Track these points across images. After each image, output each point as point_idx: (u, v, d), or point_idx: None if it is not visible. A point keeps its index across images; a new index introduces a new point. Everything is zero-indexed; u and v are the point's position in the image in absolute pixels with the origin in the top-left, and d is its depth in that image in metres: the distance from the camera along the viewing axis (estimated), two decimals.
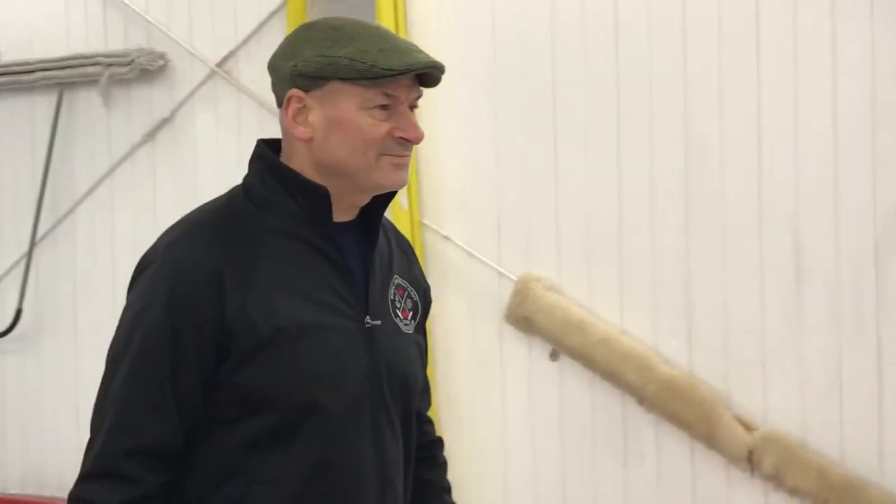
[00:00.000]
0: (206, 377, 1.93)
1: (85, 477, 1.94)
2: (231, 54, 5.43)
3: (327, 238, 2.02)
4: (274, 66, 2.06)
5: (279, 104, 2.06)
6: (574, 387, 4.65)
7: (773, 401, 4.45)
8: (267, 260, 1.97)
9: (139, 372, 1.92)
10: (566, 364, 4.66)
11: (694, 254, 4.57)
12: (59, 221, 5.87)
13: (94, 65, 5.62)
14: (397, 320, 2.12)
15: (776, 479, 4.39)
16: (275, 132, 5.46)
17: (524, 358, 4.71)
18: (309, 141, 2.01)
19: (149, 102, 5.62)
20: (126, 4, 5.62)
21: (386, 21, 4.94)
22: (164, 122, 5.58)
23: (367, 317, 2.04)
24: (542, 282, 4.66)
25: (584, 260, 4.69)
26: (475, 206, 4.81)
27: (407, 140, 2.01)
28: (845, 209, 4.33)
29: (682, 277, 4.58)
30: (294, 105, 2.01)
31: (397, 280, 2.16)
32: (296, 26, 5.01)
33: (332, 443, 1.97)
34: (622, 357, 4.58)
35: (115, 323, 5.57)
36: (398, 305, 2.13)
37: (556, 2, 4.69)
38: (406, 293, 2.16)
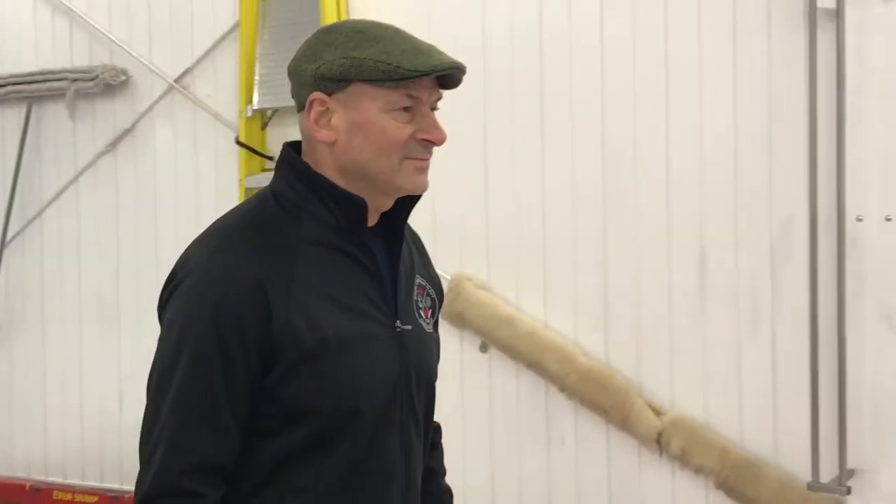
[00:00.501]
0: (254, 389, 1.81)
1: (146, 499, 1.80)
2: (188, 71, 5.50)
3: (361, 246, 1.91)
4: (295, 70, 1.95)
5: (300, 108, 1.93)
6: (501, 376, 4.73)
7: (680, 389, 4.56)
8: (305, 269, 1.85)
9: (191, 389, 1.80)
10: (495, 355, 4.75)
11: (610, 256, 4.66)
12: (28, 224, 5.94)
13: (60, 80, 5.69)
14: (421, 321, 2.03)
15: (682, 459, 4.50)
16: (227, 143, 5.59)
17: (456, 350, 4.73)
18: (332, 144, 1.89)
19: (111, 115, 5.69)
20: (91, 24, 5.70)
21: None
22: (126, 133, 5.66)
23: (398, 321, 1.94)
24: (473, 281, 4.75)
25: (512, 261, 4.77)
26: (413, 211, 4.85)
27: (430, 142, 1.90)
28: (744, 218, 4.42)
29: (600, 277, 4.67)
30: (317, 108, 1.88)
31: (418, 280, 2.07)
32: (247, 46, 5.24)
33: (366, 448, 1.88)
34: (545, 349, 4.67)
35: (80, 317, 5.71)
36: (420, 305, 2.03)
37: (487, 16, 4.78)
38: (426, 291, 2.07)
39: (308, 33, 5.22)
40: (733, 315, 4.48)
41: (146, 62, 5.60)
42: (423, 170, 1.92)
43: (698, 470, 4.50)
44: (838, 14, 4.16)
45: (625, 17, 4.59)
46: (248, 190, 5.30)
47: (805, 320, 4.29)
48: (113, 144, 5.70)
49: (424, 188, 1.93)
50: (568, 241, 4.72)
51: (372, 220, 1.95)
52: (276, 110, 5.35)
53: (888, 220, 4.15)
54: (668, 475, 4.59)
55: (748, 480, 4.41)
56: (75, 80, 5.66)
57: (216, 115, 5.44)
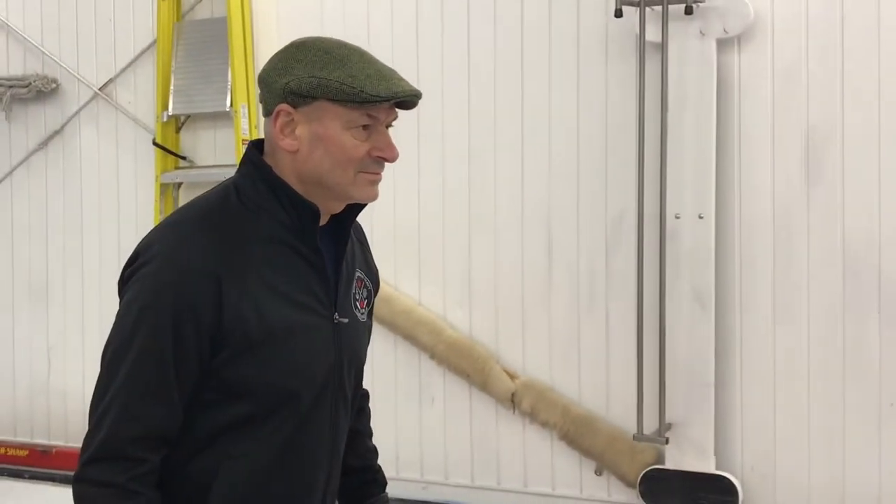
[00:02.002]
0: (202, 368, 1.75)
1: (90, 461, 1.72)
2: (111, 80, 5.46)
3: (311, 246, 1.84)
4: (266, 80, 1.84)
5: (266, 114, 1.84)
6: (381, 346, 4.68)
7: (530, 356, 4.66)
8: (258, 264, 1.78)
9: (144, 366, 1.72)
10: (376, 328, 4.62)
11: (474, 245, 4.74)
12: None
13: None
14: (357, 312, 1.95)
15: (532, 415, 4.61)
16: (145, 144, 5.52)
17: None
18: (294, 152, 1.80)
19: (43, 118, 5.62)
20: (25, 37, 5.61)
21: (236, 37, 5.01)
22: (55, 134, 5.60)
23: (336, 314, 1.88)
24: None
25: (391, 247, 4.77)
26: None
27: (384, 159, 1.82)
28: (584, 213, 4.54)
29: (465, 262, 4.75)
30: (283, 118, 1.80)
31: (357, 273, 1.99)
32: (164, 59, 5.25)
33: (299, 425, 1.82)
34: (418, 323, 4.75)
35: (13, 295, 5.65)
36: (357, 297, 1.95)
37: (371, 36, 4.70)
38: (364, 284, 1.99)
39: (216, 51, 5.32)
40: (574, 294, 4.58)
41: (74, 72, 5.54)
42: (375, 182, 1.85)
43: (545, 424, 4.60)
44: (663, 47, 4.29)
45: (489, 48, 4.66)
46: (163, 185, 5.30)
47: (633, 299, 4.40)
48: (44, 143, 5.64)
49: (375, 198, 1.86)
50: (438, 231, 4.78)
51: (323, 221, 1.88)
52: (188, 116, 5.34)
53: (700, 217, 4.27)
54: (519, 429, 4.68)
55: (585, 433, 4.53)
56: (10, 86, 5.58)
57: (135, 120, 5.41)
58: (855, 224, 4.17)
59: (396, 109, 1.84)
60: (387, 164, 1.83)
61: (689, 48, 4.27)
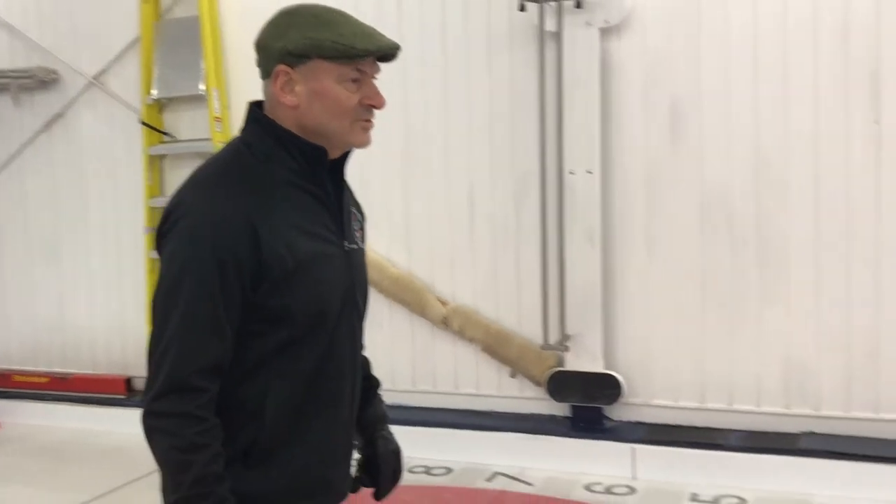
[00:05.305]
0: (246, 302, 1.59)
1: (159, 396, 1.54)
2: (103, 71, 5.16)
3: (319, 185, 1.69)
4: (263, 45, 1.67)
5: (264, 76, 1.67)
6: None
7: (458, 287, 4.56)
8: (280, 205, 1.63)
9: (196, 307, 1.56)
10: None
11: (410, 195, 4.60)
12: None
13: (5, 78, 5.31)
14: (358, 240, 1.81)
15: (460, 334, 4.53)
16: (134, 123, 5.23)
17: None
18: (295, 107, 1.65)
19: (46, 104, 5.31)
20: (27, 37, 5.28)
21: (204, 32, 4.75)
22: (57, 117, 5.29)
23: (346, 242, 1.72)
24: None
25: None
26: None
27: (374, 106, 1.67)
28: (498, 171, 4.43)
29: (404, 210, 4.61)
30: (282, 78, 1.63)
31: (352, 209, 1.83)
32: (147, 52, 4.94)
33: (329, 342, 1.68)
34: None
35: (31, 251, 5.25)
36: (355, 227, 1.80)
37: None
38: (356, 217, 1.83)
39: (190, 45, 5.06)
40: (492, 237, 4.49)
41: (71, 65, 5.22)
42: (368, 129, 1.69)
43: (471, 340, 4.54)
44: (558, 35, 4.20)
45: (416, 40, 4.45)
46: (150, 157, 5.05)
47: (538, 240, 4.33)
48: (48, 125, 5.32)
49: (368, 144, 1.70)
50: (381, 184, 4.58)
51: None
52: (170, 99, 5.05)
53: (589, 173, 4.18)
54: (451, 345, 4.60)
55: (502, 345, 4.48)
56: (17, 77, 5.27)
57: (125, 103, 5.12)
58: (711, 175, 4.11)
59: (379, 63, 1.69)
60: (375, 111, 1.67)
61: (579, 36, 4.18)
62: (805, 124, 3.91)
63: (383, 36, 1.65)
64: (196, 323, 1.55)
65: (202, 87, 4.84)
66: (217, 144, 4.79)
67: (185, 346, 1.54)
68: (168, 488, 1.55)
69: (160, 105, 5.06)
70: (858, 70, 3.82)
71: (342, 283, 1.69)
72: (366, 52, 1.61)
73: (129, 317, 5.12)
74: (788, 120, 3.94)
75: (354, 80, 1.63)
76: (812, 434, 3.95)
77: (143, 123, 5.00)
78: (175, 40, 4.97)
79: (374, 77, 1.67)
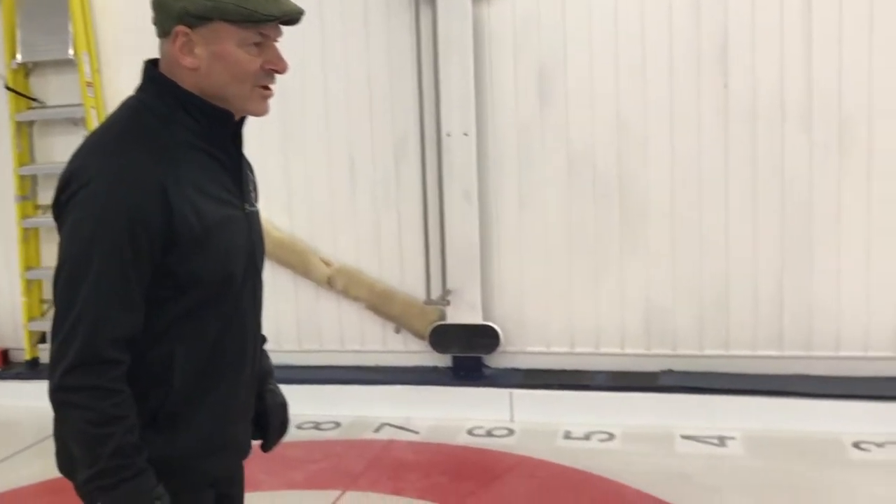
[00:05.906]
0: (155, 268, 1.54)
1: (70, 369, 1.49)
2: None
3: (222, 148, 1.64)
4: (161, 4, 1.59)
5: (162, 35, 1.60)
6: None
7: (341, 247, 4.60)
8: (185, 169, 1.57)
9: (107, 277, 1.49)
10: None
11: (290, 162, 4.59)
12: None
13: None
14: (255, 202, 1.78)
15: (345, 293, 4.59)
16: None
17: None
18: (195, 69, 1.58)
19: None
20: None
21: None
22: None
23: (246, 204, 1.69)
24: None
25: None
26: None
27: (276, 71, 1.62)
28: (377, 134, 4.47)
29: (284, 174, 4.59)
30: (181, 39, 1.56)
31: (248, 172, 1.78)
32: (9, 17, 4.75)
33: (233, 305, 1.65)
34: None
35: None
36: (251, 190, 1.76)
37: None
38: (251, 180, 1.78)
39: (56, 7, 4.84)
40: (373, 198, 4.55)
41: None
42: (267, 97, 1.65)
43: (356, 299, 4.60)
44: (433, 2, 4.25)
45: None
46: (18, 123, 4.85)
47: (419, 199, 4.43)
48: None
49: (266, 113, 1.66)
50: (259, 147, 4.26)
51: None
52: (36, 63, 4.85)
53: (465, 135, 4.30)
54: (336, 304, 4.66)
55: (386, 302, 4.56)
56: None
57: None
58: (576, 135, 4.30)
59: (281, 27, 1.65)
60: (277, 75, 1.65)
61: (453, 3, 4.25)
62: (661, 89, 4.16)
63: (288, 1, 1.61)
64: (108, 293, 1.50)
65: (71, 51, 4.66)
66: (89, 110, 4.67)
67: (98, 318, 1.49)
68: (84, 462, 1.51)
69: (26, 69, 4.85)
70: (709, 41, 4.09)
71: (245, 247, 1.67)
72: (271, 16, 1.57)
73: (1, 287, 4.96)
74: (646, 85, 4.18)
75: (257, 44, 1.59)
76: (671, 372, 4.26)
77: (9, 88, 4.79)
78: (38, 2, 4.74)
79: (275, 41, 1.63)
